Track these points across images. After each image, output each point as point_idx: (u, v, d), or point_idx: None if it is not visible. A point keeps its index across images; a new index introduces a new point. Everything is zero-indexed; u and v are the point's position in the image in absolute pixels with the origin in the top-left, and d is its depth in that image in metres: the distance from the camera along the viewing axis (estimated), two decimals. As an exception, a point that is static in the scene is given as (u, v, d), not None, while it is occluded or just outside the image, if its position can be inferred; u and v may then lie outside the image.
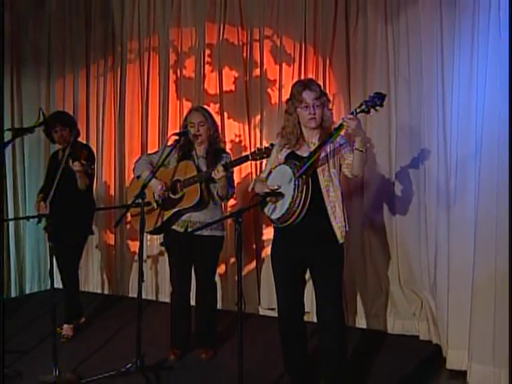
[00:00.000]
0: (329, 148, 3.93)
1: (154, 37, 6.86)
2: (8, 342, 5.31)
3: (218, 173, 4.61)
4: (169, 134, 6.09)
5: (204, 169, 4.85)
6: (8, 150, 6.46)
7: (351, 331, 5.45)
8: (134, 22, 6.94)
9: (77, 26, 7.25)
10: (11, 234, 7.12)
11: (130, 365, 4.57)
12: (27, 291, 7.31)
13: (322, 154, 3.90)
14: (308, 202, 3.84)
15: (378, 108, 3.77)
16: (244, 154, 5.44)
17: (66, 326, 5.61)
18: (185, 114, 5.20)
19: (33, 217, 4.85)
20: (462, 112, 4.56)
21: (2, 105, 5.25)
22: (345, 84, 5.82)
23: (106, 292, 7.30)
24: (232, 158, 4.92)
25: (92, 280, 7.36)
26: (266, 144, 5.02)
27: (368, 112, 3.78)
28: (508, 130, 4.04)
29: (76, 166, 5.30)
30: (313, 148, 3.91)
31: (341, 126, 3.77)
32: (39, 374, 4.54)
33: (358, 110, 3.79)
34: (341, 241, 3.96)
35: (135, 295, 4.86)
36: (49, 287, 4.74)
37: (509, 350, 4.04)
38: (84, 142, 6.78)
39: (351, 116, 3.73)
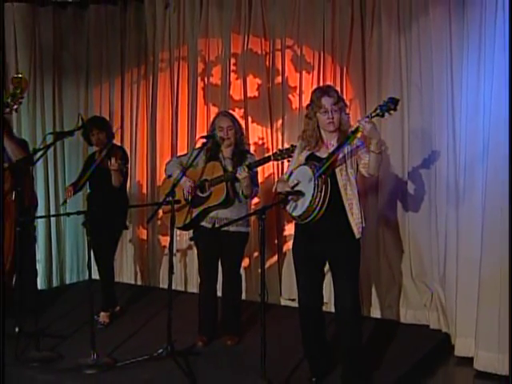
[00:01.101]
0: (346, 149, 3.94)
1: (184, 47, 6.87)
2: (50, 327, 5.40)
3: (242, 173, 4.64)
4: (197, 137, 6.11)
5: (230, 169, 4.86)
6: (50, 152, 6.50)
7: (366, 321, 5.43)
8: (165, 33, 6.96)
9: (113, 38, 7.29)
10: (53, 229, 7.19)
11: (161, 350, 4.59)
12: (67, 281, 7.36)
13: (340, 155, 3.91)
14: (327, 200, 3.85)
15: (391, 112, 3.78)
16: (266, 155, 5.44)
17: (102, 313, 5.64)
18: (212, 119, 5.22)
19: (73, 213, 4.90)
20: (470, 116, 4.56)
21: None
22: (361, 90, 5.81)
23: (138, 283, 7.33)
24: (256, 159, 4.95)
25: (126, 272, 7.39)
26: (287, 146, 5.03)
27: (382, 115, 3.79)
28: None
29: (112, 165, 5.35)
30: (331, 150, 3.92)
31: (357, 129, 3.78)
32: (79, 357, 4.60)
33: (373, 114, 3.80)
34: (357, 236, 3.97)
35: (166, 286, 4.90)
36: (87, 278, 4.79)
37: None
38: (118, 143, 6.84)
39: (367, 119, 3.74)
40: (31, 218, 5.62)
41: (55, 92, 7.24)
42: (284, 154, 4.52)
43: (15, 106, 5.50)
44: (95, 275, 5.33)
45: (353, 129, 3.86)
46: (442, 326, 5.23)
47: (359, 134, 3.83)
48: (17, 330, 4.85)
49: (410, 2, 5.44)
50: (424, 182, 5.42)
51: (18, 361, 4.64)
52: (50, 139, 5.46)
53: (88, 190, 5.82)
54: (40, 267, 6.65)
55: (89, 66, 7.45)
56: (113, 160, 5.35)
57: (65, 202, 5.71)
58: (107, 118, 6.50)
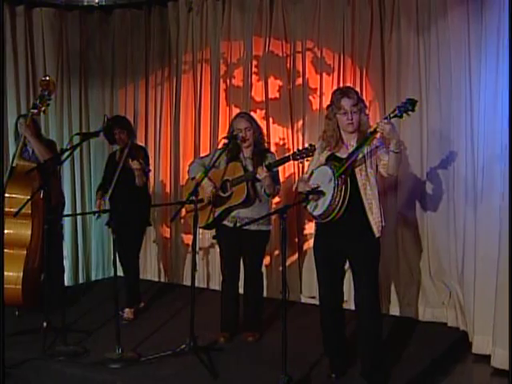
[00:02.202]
0: (366, 150, 3.94)
1: (206, 50, 6.90)
2: (76, 323, 5.46)
3: (262, 173, 4.66)
4: (219, 138, 6.12)
5: (251, 169, 4.88)
6: (76, 152, 6.55)
7: (385, 318, 5.40)
8: (188, 36, 6.98)
9: (137, 41, 7.33)
10: (79, 227, 7.26)
11: (184, 345, 4.62)
12: (93, 278, 7.43)
13: (360, 155, 3.91)
14: (347, 200, 3.85)
15: (410, 113, 3.77)
16: (286, 155, 5.44)
17: (127, 309, 5.69)
18: (231, 121, 5.25)
19: (99, 212, 4.94)
20: (488, 116, 4.53)
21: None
22: (380, 92, 5.80)
23: (162, 280, 7.36)
24: (276, 158, 4.96)
25: (150, 269, 7.43)
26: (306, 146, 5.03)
27: (401, 116, 3.79)
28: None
29: (135, 165, 5.38)
30: (351, 150, 3.92)
31: (375, 130, 3.78)
32: (104, 351, 4.65)
33: (391, 115, 3.80)
34: (377, 235, 3.98)
35: (189, 283, 4.91)
36: (112, 275, 4.82)
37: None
38: (142, 144, 6.89)
39: (385, 121, 3.74)
40: (59, 216, 5.67)
41: (82, 94, 7.31)
42: (303, 154, 4.51)
43: (43, 108, 5.58)
44: (120, 272, 5.37)
45: (371, 130, 3.86)
46: (459, 323, 5.21)
47: (378, 135, 3.83)
48: (45, 324, 4.90)
49: (429, 4, 5.42)
50: (442, 182, 5.40)
51: (46, 355, 4.69)
52: (76, 140, 5.51)
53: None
54: (67, 264, 6.72)
55: (114, 68, 7.50)
56: (135, 160, 5.38)
57: (99, 216, 5.44)
58: (130, 119, 6.53)
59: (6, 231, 5.50)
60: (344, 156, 3.95)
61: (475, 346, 4.62)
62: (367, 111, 4.16)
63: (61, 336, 4.86)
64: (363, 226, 3.96)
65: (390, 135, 3.76)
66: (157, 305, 6.25)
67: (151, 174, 6.49)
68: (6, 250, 5.42)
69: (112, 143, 5.83)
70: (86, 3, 7.23)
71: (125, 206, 5.39)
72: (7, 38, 6.60)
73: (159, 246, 7.37)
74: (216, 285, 6.68)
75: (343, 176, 3.84)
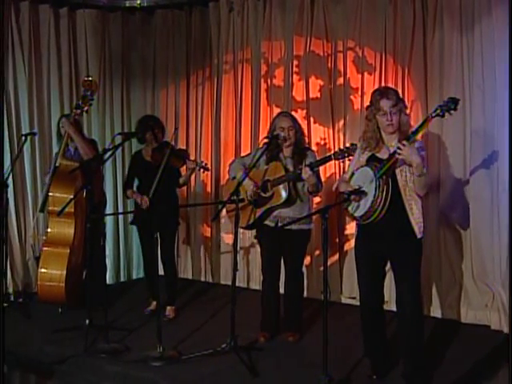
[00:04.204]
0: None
1: (247, 50, 6.93)
2: (118, 321, 5.53)
3: (307, 173, 4.66)
4: (260, 138, 6.15)
5: (291, 169, 4.89)
6: (118, 152, 6.60)
7: (427, 320, 5.34)
8: (229, 36, 7.02)
9: (179, 42, 7.40)
10: (121, 226, 7.37)
11: (224, 345, 4.65)
12: (134, 277, 7.53)
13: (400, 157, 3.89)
14: (388, 201, 3.84)
15: (452, 112, 3.75)
16: (327, 154, 5.43)
17: (168, 308, 5.74)
18: (272, 120, 5.26)
19: (140, 211, 4.99)
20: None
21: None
22: (422, 91, 5.76)
23: (202, 279, 7.41)
24: (316, 156, 4.96)
25: (190, 268, 7.50)
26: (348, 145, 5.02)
27: (443, 116, 3.78)
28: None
29: (191, 164, 5.42)
30: (392, 151, 3.91)
31: (394, 153, 3.77)
32: (145, 349, 4.70)
33: (433, 114, 3.79)
34: (419, 236, 3.96)
35: (229, 283, 4.95)
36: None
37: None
38: (184, 144, 6.96)
39: (405, 142, 3.72)
40: (101, 215, 5.75)
41: (123, 94, 7.41)
42: (344, 154, 4.53)
43: (85, 108, 5.68)
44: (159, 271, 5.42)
45: (391, 152, 3.86)
46: (503, 326, 5.16)
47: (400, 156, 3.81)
48: (87, 322, 5.00)
49: (473, 2, 5.37)
50: (485, 182, 5.35)
51: (88, 352, 4.78)
52: (118, 140, 5.58)
53: (135, 187, 5.84)
54: (109, 263, 6.80)
55: (155, 69, 7.58)
56: (191, 161, 5.41)
57: (148, 210, 5.47)
58: (173, 119, 6.57)
59: (49, 230, 5.64)
60: (385, 157, 3.93)
61: (519, 350, 4.57)
62: (407, 111, 4.14)
63: (102, 334, 4.94)
64: (404, 226, 3.94)
65: (408, 159, 3.76)
66: (197, 304, 6.30)
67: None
68: (50, 249, 5.58)
69: (142, 142, 5.82)
70: (127, 4, 7.32)
71: (163, 207, 5.43)
72: (51, 39, 6.74)
73: (199, 245, 7.41)
74: (256, 284, 6.70)
75: (384, 177, 3.83)
